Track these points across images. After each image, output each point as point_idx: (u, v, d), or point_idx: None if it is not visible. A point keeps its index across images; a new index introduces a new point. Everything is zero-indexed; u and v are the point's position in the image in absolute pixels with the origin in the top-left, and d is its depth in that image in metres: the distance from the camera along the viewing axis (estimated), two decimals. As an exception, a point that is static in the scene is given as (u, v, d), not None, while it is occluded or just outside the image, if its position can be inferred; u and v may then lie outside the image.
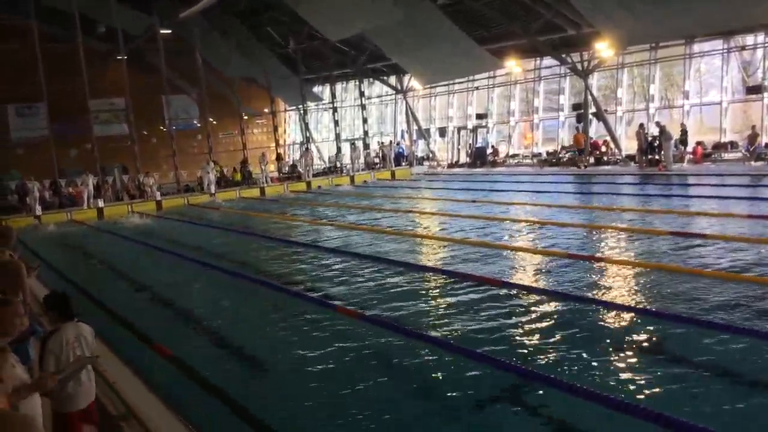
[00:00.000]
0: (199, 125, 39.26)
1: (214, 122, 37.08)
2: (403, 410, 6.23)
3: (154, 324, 9.66)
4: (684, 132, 25.07)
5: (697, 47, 25.78)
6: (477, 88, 34.78)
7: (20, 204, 27.88)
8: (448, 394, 6.47)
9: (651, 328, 7.72)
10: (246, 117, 38.28)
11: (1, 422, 2.88)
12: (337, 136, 37.04)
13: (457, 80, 34.54)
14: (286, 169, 35.77)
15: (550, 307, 8.82)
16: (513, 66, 29.44)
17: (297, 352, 7.90)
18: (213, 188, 29.97)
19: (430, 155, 37.13)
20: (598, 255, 11.49)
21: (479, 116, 34.30)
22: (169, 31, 32.19)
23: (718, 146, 25.19)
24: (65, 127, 31.71)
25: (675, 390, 6.12)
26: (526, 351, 7.33)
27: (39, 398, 4.13)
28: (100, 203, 27.53)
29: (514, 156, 33.02)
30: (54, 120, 29.67)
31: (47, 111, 29.32)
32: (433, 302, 9.67)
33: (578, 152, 28.37)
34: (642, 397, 5.96)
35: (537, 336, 7.79)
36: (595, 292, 9.37)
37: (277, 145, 37.91)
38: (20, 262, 6.59)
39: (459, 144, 35.34)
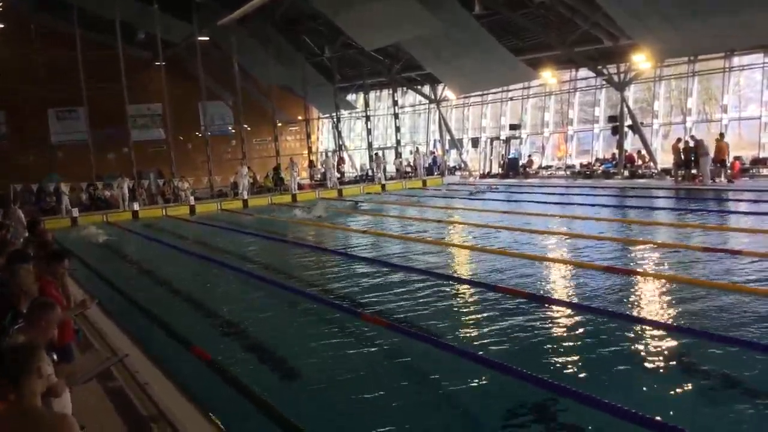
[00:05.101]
0: (233, 131, 39.75)
1: (248, 129, 37.48)
2: (431, 420, 6.22)
3: (189, 327, 9.78)
4: (719, 150, 24.32)
5: (736, 60, 25.35)
6: (511, 99, 34.64)
7: (57, 206, 28.53)
8: (476, 406, 6.45)
9: (682, 344, 7.60)
10: (280, 124, 38.59)
11: (40, 422, 2.95)
12: (370, 145, 37.15)
13: (491, 90, 34.45)
14: (318, 176, 35.95)
15: (581, 320, 8.71)
16: (549, 77, 29.25)
17: (329, 359, 7.94)
18: (246, 194, 30.28)
19: (462, 165, 37.03)
20: (630, 269, 11.32)
21: (512, 127, 34.11)
22: (207, 39, 32.69)
23: (757, 161, 24.72)
24: (104, 132, 32.27)
25: (704, 408, 6.03)
26: (554, 364, 7.26)
27: (69, 395, 4.22)
28: (136, 206, 28.05)
29: (547, 167, 32.76)
30: (93, 124, 30.29)
31: (87, 115, 29.96)
32: (462, 313, 9.64)
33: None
34: (670, 414, 5.85)
35: (566, 350, 7.72)
36: (627, 306, 9.25)
37: (310, 152, 38.14)
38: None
39: (491, 154, 35.17)
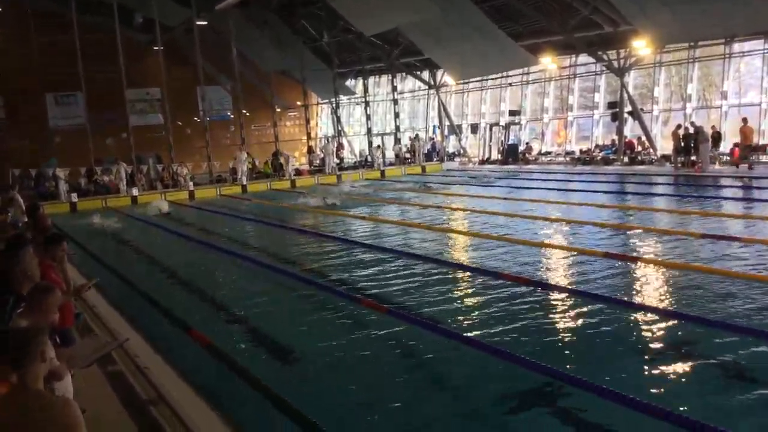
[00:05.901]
0: (232, 116, 39.63)
1: (247, 114, 37.36)
2: (430, 405, 6.27)
3: (189, 311, 9.79)
4: (716, 135, 24.41)
5: (737, 47, 25.23)
6: (510, 85, 34.53)
7: (56, 190, 28.50)
8: (475, 392, 6.48)
9: (682, 330, 7.63)
10: (278, 109, 38.45)
11: (44, 405, 2.96)
12: (369, 131, 37.05)
13: (490, 76, 34.31)
14: (317, 162, 35.83)
15: (581, 306, 8.73)
16: (548, 63, 29.12)
17: (328, 344, 7.97)
18: (245, 180, 30.24)
19: (461, 151, 36.97)
20: (630, 255, 11.34)
21: (512, 113, 34.02)
22: (206, 23, 32.51)
23: (756, 148, 24.67)
24: (102, 116, 32.11)
25: (704, 394, 6.05)
26: (554, 351, 7.29)
27: (70, 378, 4.23)
28: (135, 191, 28.02)
29: (546, 154, 32.71)
30: (91, 109, 30.18)
31: (85, 100, 29.86)
32: (462, 299, 9.65)
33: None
34: (671, 400, 5.87)
35: (566, 336, 7.75)
36: (626, 293, 9.28)
37: (309, 137, 38.05)
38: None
39: (491, 140, 35.10)
